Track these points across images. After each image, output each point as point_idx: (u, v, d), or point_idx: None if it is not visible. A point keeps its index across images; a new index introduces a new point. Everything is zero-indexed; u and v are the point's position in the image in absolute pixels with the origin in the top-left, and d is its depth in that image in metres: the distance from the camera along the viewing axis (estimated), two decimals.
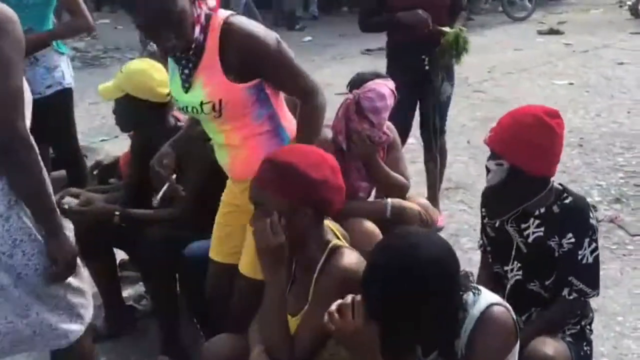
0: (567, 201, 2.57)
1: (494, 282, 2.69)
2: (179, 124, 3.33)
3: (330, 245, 2.18)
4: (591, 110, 6.89)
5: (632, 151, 5.72)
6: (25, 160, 2.04)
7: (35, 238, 2.14)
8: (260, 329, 2.17)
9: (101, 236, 3.25)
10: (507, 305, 2.07)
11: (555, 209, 2.56)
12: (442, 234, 4.06)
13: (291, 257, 2.28)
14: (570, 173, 5.26)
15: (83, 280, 2.32)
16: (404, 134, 3.94)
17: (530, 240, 2.59)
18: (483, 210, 2.78)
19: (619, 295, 3.75)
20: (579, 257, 2.51)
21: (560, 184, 2.64)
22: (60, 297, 2.21)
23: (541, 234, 2.56)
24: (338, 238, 2.24)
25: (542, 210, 2.56)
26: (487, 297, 2.05)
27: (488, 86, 7.69)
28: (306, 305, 2.18)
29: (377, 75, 3.27)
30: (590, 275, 2.54)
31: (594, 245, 2.52)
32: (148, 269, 3.15)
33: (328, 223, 2.25)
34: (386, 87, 3.14)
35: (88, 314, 2.32)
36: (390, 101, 3.13)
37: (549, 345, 2.40)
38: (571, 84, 7.77)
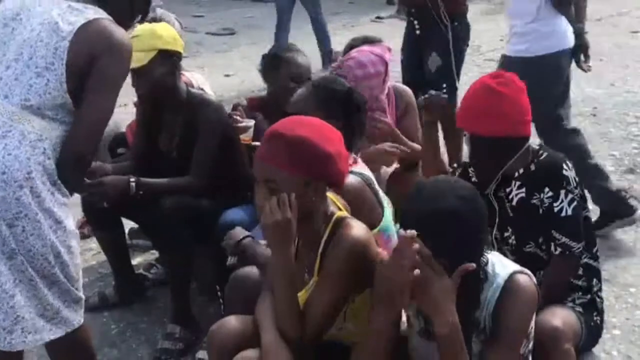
0: (542, 158, 2.59)
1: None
2: (192, 90, 3.29)
3: (334, 217, 2.14)
4: (605, 79, 6.80)
5: None
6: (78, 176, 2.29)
7: (39, 220, 2.10)
8: (272, 308, 2.13)
9: (109, 206, 3.22)
10: (528, 271, 2.06)
11: (532, 167, 2.58)
12: None
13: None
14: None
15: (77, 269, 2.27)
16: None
17: (515, 203, 2.60)
18: (472, 178, 2.79)
19: (632, 266, 3.72)
20: (557, 210, 2.51)
21: (538, 144, 2.65)
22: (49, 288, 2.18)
23: (523, 194, 2.58)
24: (340, 209, 2.20)
25: (521, 171, 2.59)
26: (506, 265, 2.05)
27: (500, 54, 7.59)
28: (311, 281, 2.15)
29: (366, 41, 3.21)
30: (571, 228, 2.53)
31: (570, 196, 2.52)
32: (164, 238, 3.12)
33: (328, 194, 2.20)
34: (370, 53, 3.10)
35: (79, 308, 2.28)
36: (376, 68, 3.08)
37: (558, 316, 2.38)
38: None
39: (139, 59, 3.05)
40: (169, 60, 3.14)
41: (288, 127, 2.08)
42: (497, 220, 2.65)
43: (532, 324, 2.04)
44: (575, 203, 2.54)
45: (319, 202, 2.11)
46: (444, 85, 4.41)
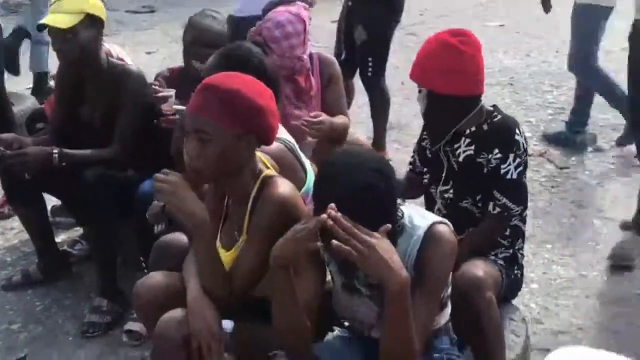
0: (496, 119, 2.65)
1: (430, 202, 2.78)
2: (112, 60, 3.24)
3: (262, 175, 2.15)
4: (521, 50, 7.00)
5: (560, 89, 5.85)
6: None
7: None
8: (194, 269, 2.14)
9: (29, 181, 3.15)
10: (446, 221, 2.13)
11: (485, 127, 2.64)
12: None
13: (223, 192, 2.25)
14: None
15: None
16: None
17: (461, 159, 2.66)
18: (424, 133, 2.85)
19: (548, 225, 3.88)
20: (503, 172, 2.59)
21: (492, 105, 2.71)
22: None
23: (471, 152, 2.64)
24: (268, 168, 2.22)
25: (473, 129, 2.64)
26: (425, 217, 2.10)
27: (420, 29, 7.70)
28: (240, 239, 2.17)
29: (281, 2, 3.22)
30: (514, 191, 2.62)
31: (518, 161, 2.59)
32: (87, 211, 3.08)
33: (257, 153, 2.21)
34: (287, 13, 3.11)
35: None
36: (295, 26, 3.09)
37: (479, 267, 2.46)
38: (502, 25, 7.87)
39: (67, 21, 3.01)
40: (95, 25, 3.09)
41: (220, 80, 2.09)
42: (443, 175, 2.72)
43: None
44: (521, 168, 2.61)
45: (248, 158, 2.12)
46: (370, 59, 4.47)
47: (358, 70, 4.52)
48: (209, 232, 2.10)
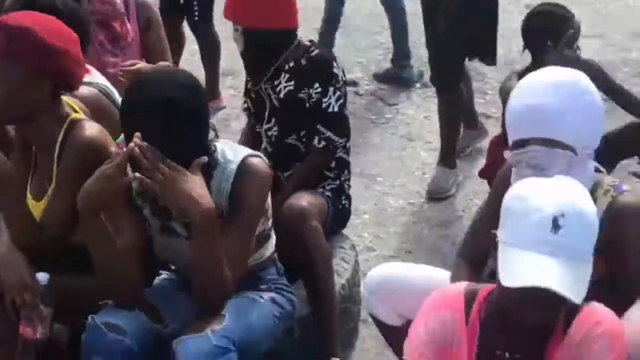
0: (313, 54, 2.70)
1: (256, 140, 2.82)
2: None
3: (69, 119, 2.09)
4: None
5: (390, 30, 6.01)
6: None
7: None
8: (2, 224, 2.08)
9: None
10: (259, 153, 2.18)
11: (303, 61, 2.69)
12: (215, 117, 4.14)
13: (29, 141, 2.17)
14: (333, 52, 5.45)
15: None
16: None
17: (282, 95, 2.71)
18: (247, 77, 2.87)
19: (380, 159, 4.05)
20: (324, 106, 2.66)
21: (309, 40, 2.76)
22: None
23: (292, 87, 2.69)
24: (76, 112, 2.16)
25: (292, 64, 2.69)
26: (238, 150, 2.13)
27: None
28: (50, 187, 2.11)
29: None
30: (337, 124, 2.71)
31: (338, 94, 2.68)
32: None
33: (66, 98, 2.14)
34: None
35: None
36: None
37: (304, 198, 2.54)
38: None
39: None
40: None
41: (12, 18, 2.03)
42: (266, 114, 2.75)
43: (269, 202, 2.16)
44: (341, 101, 2.69)
45: (46, 102, 2.05)
46: (195, 3, 4.39)
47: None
48: (10, 183, 2.02)
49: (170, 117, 1.88)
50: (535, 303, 1.50)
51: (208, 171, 1.99)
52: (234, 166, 2.05)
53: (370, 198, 3.68)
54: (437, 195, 3.65)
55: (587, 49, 4.98)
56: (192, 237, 1.96)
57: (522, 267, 1.49)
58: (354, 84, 4.75)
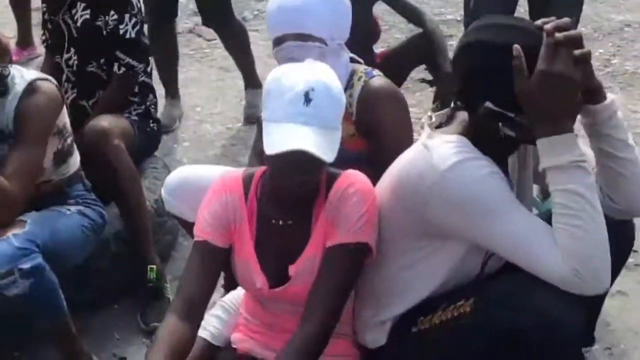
0: None
1: (56, 71, 2.85)
2: None
3: None
4: None
5: None
6: None
7: None
8: None
9: None
10: (50, 78, 2.26)
11: None
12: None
13: None
14: None
15: None
16: None
17: (79, 24, 2.79)
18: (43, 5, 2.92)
19: (199, 91, 4.17)
20: (121, 32, 2.77)
21: None
22: None
23: (88, 16, 2.78)
24: None
25: None
26: (31, 75, 2.22)
27: None
28: None
29: None
30: (136, 49, 2.83)
31: (134, 20, 2.80)
32: None
33: None
34: None
35: None
36: None
37: (105, 120, 2.65)
38: None
39: None
40: None
41: None
42: (66, 44, 2.81)
43: (66, 120, 2.29)
44: (138, 27, 2.79)
45: None
46: None
47: None
48: None
49: None
50: (296, 165, 1.70)
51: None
52: (20, 88, 2.14)
53: (189, 127, 3.81)
54: (253, 118, 3.82)
55: None
56: None
57: (281, 137, 1.68)
58: None
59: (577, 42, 1.61)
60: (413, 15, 3.29)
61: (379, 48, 3.62)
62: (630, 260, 2.63)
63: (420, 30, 3.29)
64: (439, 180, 1.66)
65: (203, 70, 4.40)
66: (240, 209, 1.87)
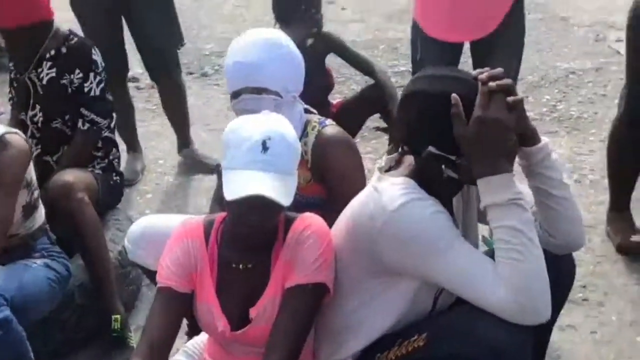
0: (72, 42, 2.92)
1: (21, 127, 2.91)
2: None
3: None
4: None
5: None
6: None
7: None
8: None
9: None
10: (19, 132, 2.37)
11: (64, 49, 2.90)
12: None
13: None
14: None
15: None
16: None
17: (45, 82, 2.89)
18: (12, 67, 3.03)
19: (160, 144, 4.29)
20: (86, 90, 2.88)
21: (68, 29, 2.97)
22: None
23: (54, 74, 2.89)
24: None
25: (53, 52, 2.89)
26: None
27: None
28: None
29: None
30: (100, 106, 2.94)
31: (98, 78, 2.91)
32: None
33: None
34: None
35: None
36: None
37: (69, 174, 2.74)
38: None
39: None
40: None
41: None
42: (31, 101, 2.91)
43: (33, 175, 2.39)
44: (102, 84, 2.91)
45: None
46: None
47: None
48: None
49: None
50: (255, 210, 1.78)
51: None
52: None
53: (153, 179, 3.89)
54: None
55: (350, 32, 5.54)
56: None
57: (240, 183, 1.77)
58: (135, 79, 4.93)
59: (510, 90, 1.75)
60: (365, 67, 3.45)
61: (335, 99, 3.78)
62: (579, 295, 2.77)
63: (372, 81, 3.47)
64: (388, 220, 1.77)
65: (164, 124, 4.46)
66: (201, 254, 1.94)
